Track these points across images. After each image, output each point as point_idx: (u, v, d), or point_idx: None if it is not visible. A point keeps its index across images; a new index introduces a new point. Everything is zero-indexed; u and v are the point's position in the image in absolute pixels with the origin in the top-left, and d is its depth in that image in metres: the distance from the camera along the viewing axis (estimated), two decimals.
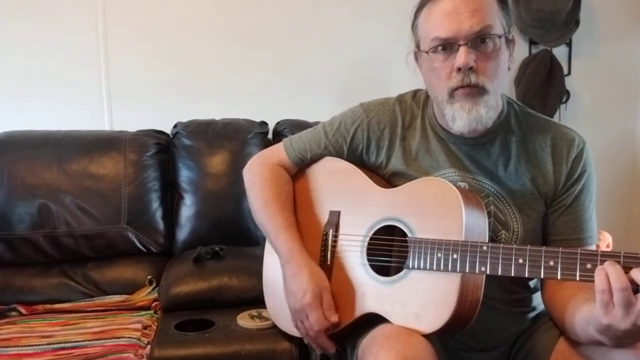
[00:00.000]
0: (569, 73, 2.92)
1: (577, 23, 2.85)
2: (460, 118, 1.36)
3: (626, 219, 3.05)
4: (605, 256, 1.14)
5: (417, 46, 1.43)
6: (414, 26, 1.44)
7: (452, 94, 1.35)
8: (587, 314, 1.20)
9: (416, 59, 1.47)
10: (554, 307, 1.39)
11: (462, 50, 1.32)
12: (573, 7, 2.78)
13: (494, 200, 1.43)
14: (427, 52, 1.38)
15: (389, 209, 1.44)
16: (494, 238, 1.40)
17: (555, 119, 2.82)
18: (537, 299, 1.52)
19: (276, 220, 1.55)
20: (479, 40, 1.33)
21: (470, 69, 1.33)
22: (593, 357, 1.27)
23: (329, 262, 1.52)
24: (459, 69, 1.33)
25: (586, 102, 2.96)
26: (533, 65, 2.82)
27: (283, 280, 1.52)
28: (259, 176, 1.63)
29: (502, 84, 1.40)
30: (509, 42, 1.39)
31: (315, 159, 1.62)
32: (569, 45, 2.91)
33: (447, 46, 1.34)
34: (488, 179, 1.44)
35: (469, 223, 1.31)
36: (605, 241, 2.30)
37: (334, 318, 1.43)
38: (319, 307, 1.43)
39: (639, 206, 3.06)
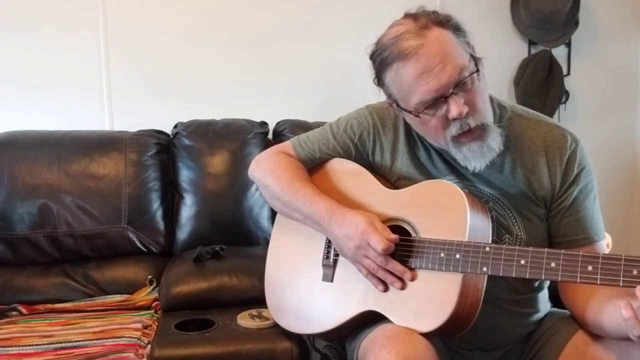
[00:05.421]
0: (569, 73, 2.92)
1: (577, 23, 2.85)
2: (475, 158, 1.37)
3: (626, 219, 3.05)
4: (606, 259, 1.15)
5: (394, 101, 1.41)
6: (380, 82, 1.41)
7: (455, 139, 1.35)
8: (617, 317, 1.19)
9: (391, 105, 1.45)
10: (572, 302, 1.39)
11: (452, 102, 1.31)
12: (572, 8, 2.79)
13: (494, 205, 1.43)
14: (412, 113, 1.36)
15: (395, 209, 1.45)
16: (498, 242, 1.41)
17: (555, 119, 2.81)
18: (543, 300, 1.53)
19: (306, 191, 1.52)
20: (460, 84, 1.31)
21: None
22: (609, 351, 1.28)
23: (332, 260, 1.52)
24: (455, 119, 1.32)
25: (585, 103, 2.96)
26: (532, 66, 2.82)
27: (334, 241, 1.47)
28: (275, 162, 1.61)
29: (489, 102, 1.40)
30: (478, 61, 1.36)
31: (323, 160, 1.62)
32: (569, 45, 2.91)
33: (434, 103, 1.33)
34: (485, 185, 1.45)
35: (472, 225, 1.32)
36: (605, 241, 2.30)
37: (392, 236, 1.38)
38: (375, 230, 1.38)
39: (639, 206, 3.06)
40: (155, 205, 2.34)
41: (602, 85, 2.98)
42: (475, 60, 1.35)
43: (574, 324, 1.40)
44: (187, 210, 2.36)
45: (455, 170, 1.47)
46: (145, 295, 2.12)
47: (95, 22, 2.59)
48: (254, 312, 1.81)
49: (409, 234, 1.41)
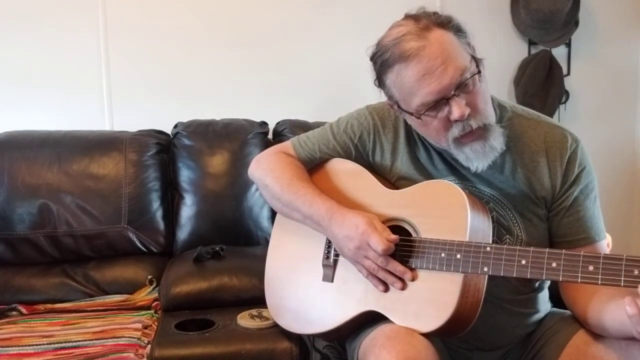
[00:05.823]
0: (569, 73, 2.92)
1: (577, 23, 2.85)
2: (477, 159, 1.36)
3: (626, 219, 3.05)
4: (608, 259, 1.15)
5: (395, 102, 1.41)
6: (381, 84, 1.41)
7: (457, 140, 1.35)
8: (620, 316, 1.19)
9: (392, 106, 1.45)
10: (574, 302, 1.39)
11: (454, 103, 1.30)
12: (572, 8, 2.79)
13: (494, 206, 1.43)
14: (413, 115, 1.36)
15: (395, 209, 1.45)
16: (498, 243, 1.40)
17: (555, 119, 2.81)
18: (543, 301, 1.53)
19: (306, 191, 1.53)
20: (462, 85, 1.31)
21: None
22: (610, 350, 1.28)
23: (332, 260, 1.52)
24: (456, 120, 1.32)
25: (585, 103, 2.96)
26: (532, 66, 2.82)
27: (334, 241, 1.47)
28: (275, 162, 1.61)
29: (490, 103, 1.39)
30: (479, 62, 1.36)
31: (324, 159, 1.62)
32: (569, 45, 2.91)
33: (436, 105, 1.32)
34: (486, 186, 1.45)
35: (473, 225, 1.32)
36: (605, 241, 2.30)
37: (392, 236, 1.38)
38: (375, 230, 1.38)
39: (639, 206, 3.06)
40: (155, 205, 2.34)
41: (602, 85, 2.98)
42: (477, 61, 1.35)
43: (574, 324, 1.40)
44: (187, 210, 2.36)
45: (456, 171, 1.46)
46: (145, 295, 2.12)
47: (95, 22, 2.59)
48: (254, 312, 1.81)
49: (410, 234, 1.41)
